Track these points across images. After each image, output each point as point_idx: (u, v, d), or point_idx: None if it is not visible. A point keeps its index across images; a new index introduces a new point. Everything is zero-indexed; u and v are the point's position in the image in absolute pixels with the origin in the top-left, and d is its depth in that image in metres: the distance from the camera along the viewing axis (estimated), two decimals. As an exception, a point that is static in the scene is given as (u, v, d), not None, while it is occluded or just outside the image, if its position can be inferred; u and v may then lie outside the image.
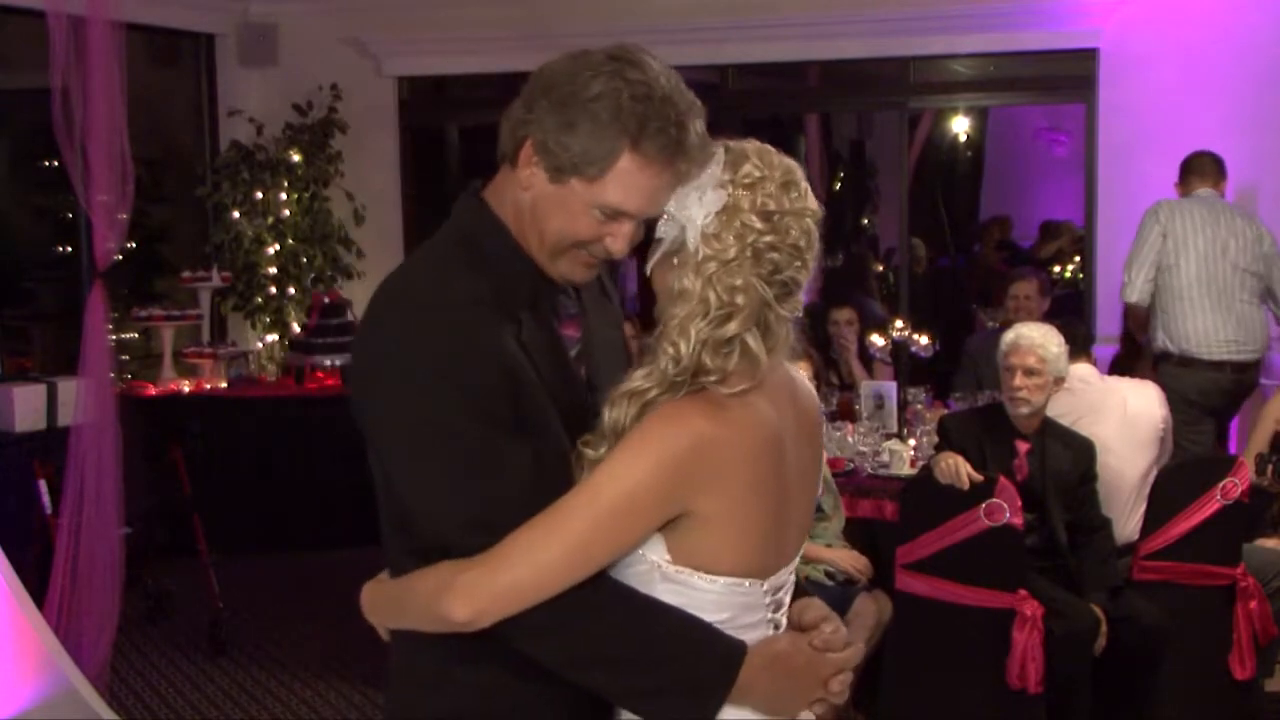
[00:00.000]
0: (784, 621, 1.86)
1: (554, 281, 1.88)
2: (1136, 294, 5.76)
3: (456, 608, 1.70)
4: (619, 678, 1.74)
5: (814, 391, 1.97)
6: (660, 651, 1.73)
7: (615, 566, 1.74)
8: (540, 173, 1.80)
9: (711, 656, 1.74)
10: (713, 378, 1.73)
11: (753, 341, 1.75)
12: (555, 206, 1.80)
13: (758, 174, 1.76)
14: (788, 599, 1.87)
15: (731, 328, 1.74)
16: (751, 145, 1.80)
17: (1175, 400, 5.24)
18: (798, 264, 1.79)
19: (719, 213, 1.76)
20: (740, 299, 1.74)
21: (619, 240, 1.82)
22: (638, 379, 1.76)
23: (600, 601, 1.72)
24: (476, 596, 1.70)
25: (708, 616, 1.75)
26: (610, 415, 1.75)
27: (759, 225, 1.75)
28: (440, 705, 1.85)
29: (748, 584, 1.76)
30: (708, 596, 1.75)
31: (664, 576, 1.74)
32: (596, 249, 1.83)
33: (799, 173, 1.81)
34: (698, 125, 1.78)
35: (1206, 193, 5.77)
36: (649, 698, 1.74)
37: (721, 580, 1.74)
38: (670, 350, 1.74)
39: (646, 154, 1.75)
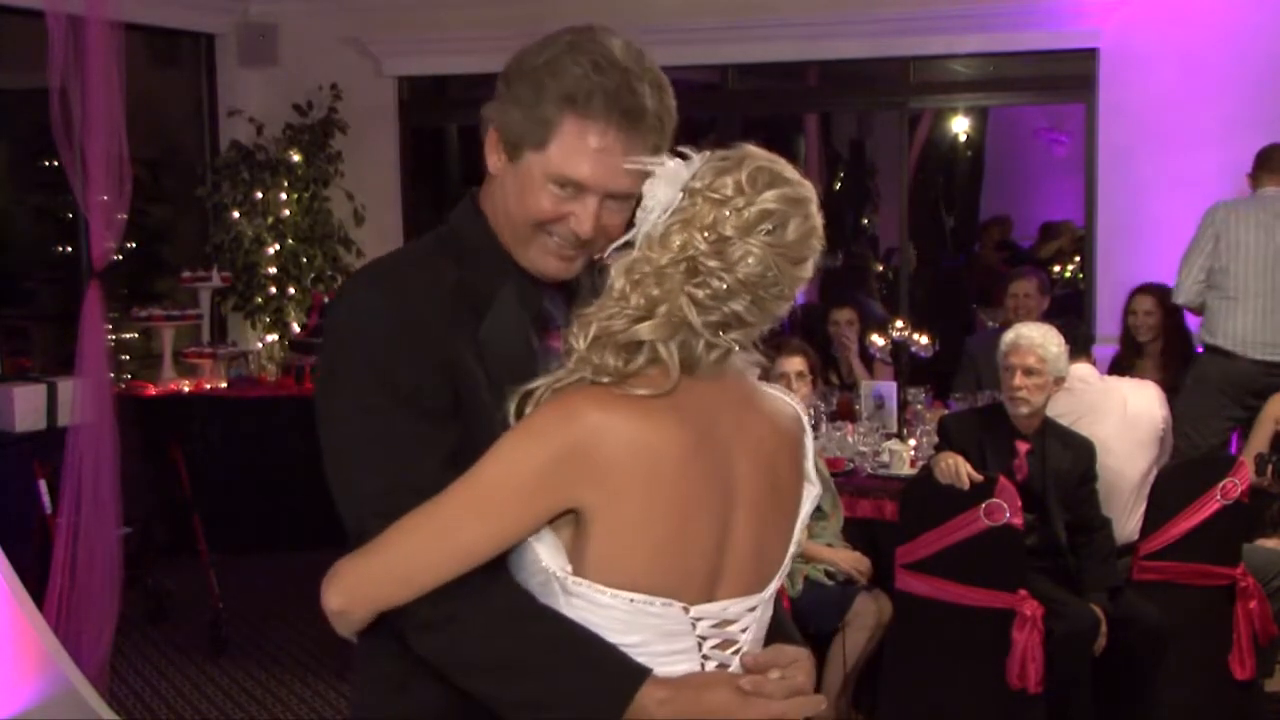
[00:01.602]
0: (736, 663, 1.69)
1: (539, 284, 1.81)
2: (1184, 296, 5.79)
3: (330, 595, 1.63)
4: (502, 686, 1.64)
5: (795, 415, 1.78)
6: (545, 662, 1.61)
7: (518, 575, 1.64)
8: (502, 155, 1.78)
9: (603, 674, 1.61)
10: (606, 378, 1.61)
11: (665, 351, 1.61)
12: (514, 185, 1.76)
13: (729, 192, 1.61)
14: (745, 638, 1.70)
15: (641, 331, 1.61)
16: (754, 162, 1.64)
17: (1207, 388, 5.25)
18: (747, 300, 1.61)
19: (672, 217, 1.63)
20: (661, 309, 1.61)
21: (583, 221, 1.74)
22: (542, 378, 1.65)
23: (488, 602, 1.62)
24: (348, 584, 1.63)
25: (615, 638, 1.61)
26: (513, 410, 1.65)
27: (703, 245, 1.60)
28: (398, 709, 1.77)
29: (658, 604, 1.61)
30: (612, 614, 1.61)
31: (564, 589, 1.61)
32: (562, 230, 1.76)
33: (799, 208, 1.63)
34: (653, 93, 1.71)
35: (1274, 192, 5.72)
36: (531, 711, 1.63)
37: (623, 595, 1.60)
38: (572, 343, 1.64)
39: (590, 116, 1.69)
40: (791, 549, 1.77)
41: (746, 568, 1.69)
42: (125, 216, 4.83)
